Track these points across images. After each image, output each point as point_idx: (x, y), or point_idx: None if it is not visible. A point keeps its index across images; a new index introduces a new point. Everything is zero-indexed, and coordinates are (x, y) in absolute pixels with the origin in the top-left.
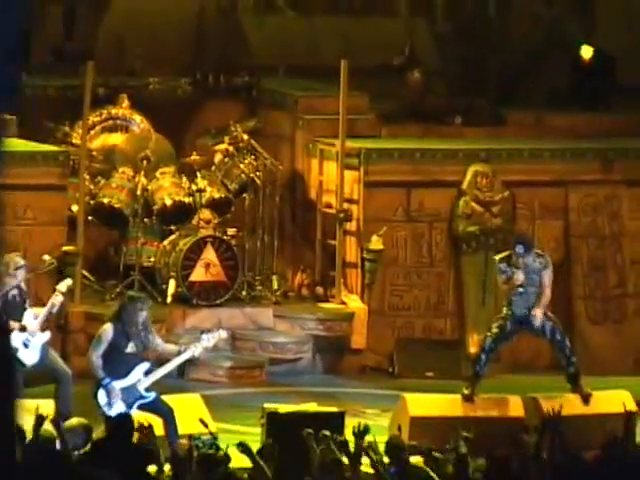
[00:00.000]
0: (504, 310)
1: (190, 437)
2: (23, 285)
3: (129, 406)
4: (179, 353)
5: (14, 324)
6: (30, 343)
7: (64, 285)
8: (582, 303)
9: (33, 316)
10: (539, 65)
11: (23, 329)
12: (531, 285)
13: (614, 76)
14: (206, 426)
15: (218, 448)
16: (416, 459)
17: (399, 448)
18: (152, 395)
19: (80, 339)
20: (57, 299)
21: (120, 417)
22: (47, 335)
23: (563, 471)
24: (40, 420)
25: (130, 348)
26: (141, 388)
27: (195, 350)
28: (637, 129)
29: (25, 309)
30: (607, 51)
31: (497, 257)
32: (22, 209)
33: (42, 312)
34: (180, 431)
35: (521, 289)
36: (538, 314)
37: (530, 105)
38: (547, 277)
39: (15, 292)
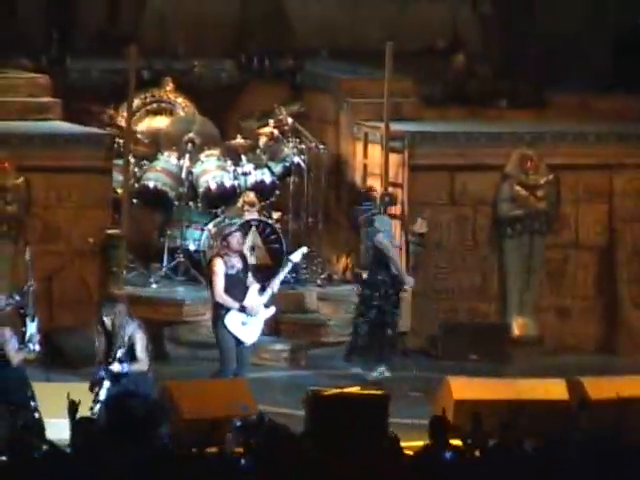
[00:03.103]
0: None
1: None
2: (247, 258)
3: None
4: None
5: (234, 303)
6: (249, 321)
7: (298, 254)
8: (625, 287)
9: (258, 292)
10: (582, 47)
11: (242, 309)
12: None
13: None
14: (245, 410)
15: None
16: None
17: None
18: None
19: None
20: (287, 268)
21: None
22: (271, 311)
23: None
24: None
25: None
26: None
27: (286, 267)
28: None
29: (248, 285)
30: None
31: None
32: (67, 192)
33: (270, 287)
34: (224, 414)
35: None
36: None
37: (574, 88)
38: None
39: (240, 267)
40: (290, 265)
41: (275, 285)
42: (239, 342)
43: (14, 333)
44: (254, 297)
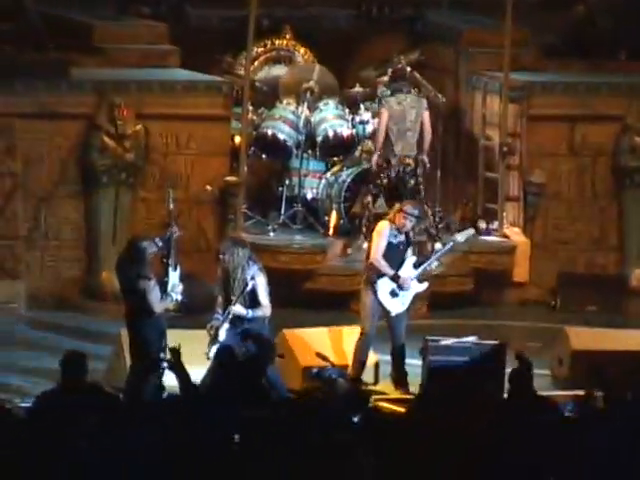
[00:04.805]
0: None
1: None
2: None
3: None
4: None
5: (388, 269)
6: (400, 292)
7: (464, 235)
8: None
9: (413, 265)
10: None
11: (395, 278)
12: None
13: None
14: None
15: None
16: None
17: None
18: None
19: None
20: (448, 247)
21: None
22: (423, 286)
23: None
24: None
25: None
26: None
27: (448, 245)
28: None
29: (406, 256)
30: None
31: None
32: (185, 139)
33: (427, 263)
34: (340, 362)
35: None
36: None
37: None
38: None
39: (403, 240)
40: (453, 244)
41: (433, 262)
42: (386, 311)
43: (157, 282)
44: (409, 270)
